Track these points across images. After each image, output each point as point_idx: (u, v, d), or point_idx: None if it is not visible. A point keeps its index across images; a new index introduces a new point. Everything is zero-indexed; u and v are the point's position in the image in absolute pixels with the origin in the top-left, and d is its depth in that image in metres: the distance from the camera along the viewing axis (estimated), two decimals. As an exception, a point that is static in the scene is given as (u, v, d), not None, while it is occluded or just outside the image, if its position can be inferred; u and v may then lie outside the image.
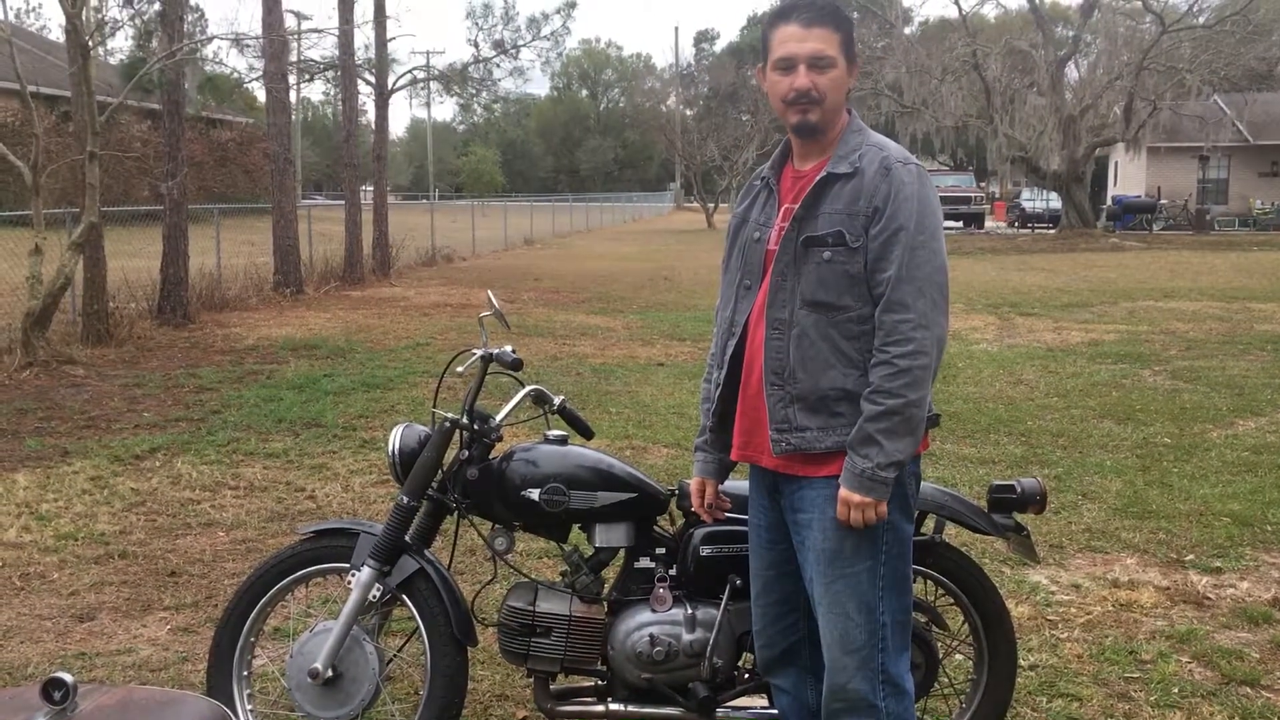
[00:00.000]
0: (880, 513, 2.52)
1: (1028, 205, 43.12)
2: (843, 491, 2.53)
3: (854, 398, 2.53)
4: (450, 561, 3.26)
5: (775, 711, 3.13)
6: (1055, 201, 39.59)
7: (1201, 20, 35.67)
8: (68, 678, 1.62)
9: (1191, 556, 5.13)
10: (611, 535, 3.12)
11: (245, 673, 3.20)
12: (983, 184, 49.96)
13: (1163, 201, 38.96)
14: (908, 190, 2.49)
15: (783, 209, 2.66)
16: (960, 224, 42.36)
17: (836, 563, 2.58)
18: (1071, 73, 39.09)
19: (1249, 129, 39.49)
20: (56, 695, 1.62)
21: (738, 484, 3.11)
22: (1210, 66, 34.35)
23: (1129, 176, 44.62)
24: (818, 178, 2.57)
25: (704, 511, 2.97)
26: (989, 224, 43.75)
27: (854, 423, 2.52)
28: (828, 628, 2.62)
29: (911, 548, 2.69)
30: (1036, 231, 38.78)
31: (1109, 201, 41.76)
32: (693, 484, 2.98)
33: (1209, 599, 4.63)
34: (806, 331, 2.56)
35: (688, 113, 60.40)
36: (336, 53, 22.31)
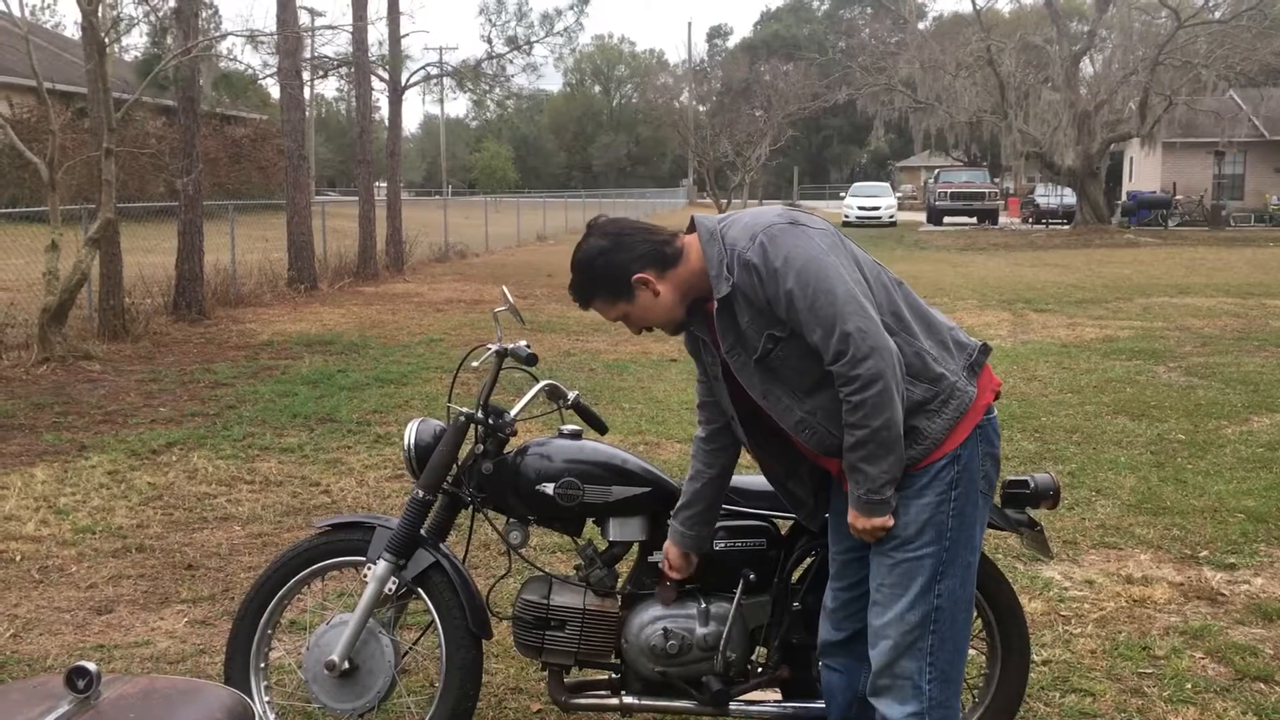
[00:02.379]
0: (888, 525, 2.60)
1: (1042, 201, 42.94)
2: (850, 514, 2.63)
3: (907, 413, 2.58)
4: (465, 555, 3.28)
5: (788, 705, 3.15)
6: (1070, 197, 39.43)
7: (1218, 15, 35.48)
8: (91, 667, 1.64)
9: (1205, 553, 5.12)
10: (625, 529, 3.14)
11: (262, 664, 3.23)
12: (997, 179, 49.75)
13: (1178, 197, 38.75)
14: (768, 268, 2.51)
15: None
16: (974, 220, 42.23)
17: (901, 546, 2.62)
18: (1086, 68, 38.98)
19: (1265, 124, 39.27)
20: (80, 684, 1.64)
21: (747, 479, 3.13)
22: (1226, 61, 34.16)
23: (1144, 172, 44.41)
24: (714, 313, 2.64)
25: (670, 571, 3.05)
26: (1003, 220, 43.60)
27: (917, 430, 2.57)
28: (885, 605, 2.65)
29: (979, 534, 2.70)
30: (1051, 227, 38.62)
31: (1124, 197, 41.55)
32: (668, 549, 3.04)
33: (1223, 595, 4.62)
34: (829, 408, 2.60)
35: (701, 108, 60.28)
36: (350, 49, 22.36)
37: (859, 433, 2.51)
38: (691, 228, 2.72)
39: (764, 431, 2.82)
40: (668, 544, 3.05)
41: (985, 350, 2.71)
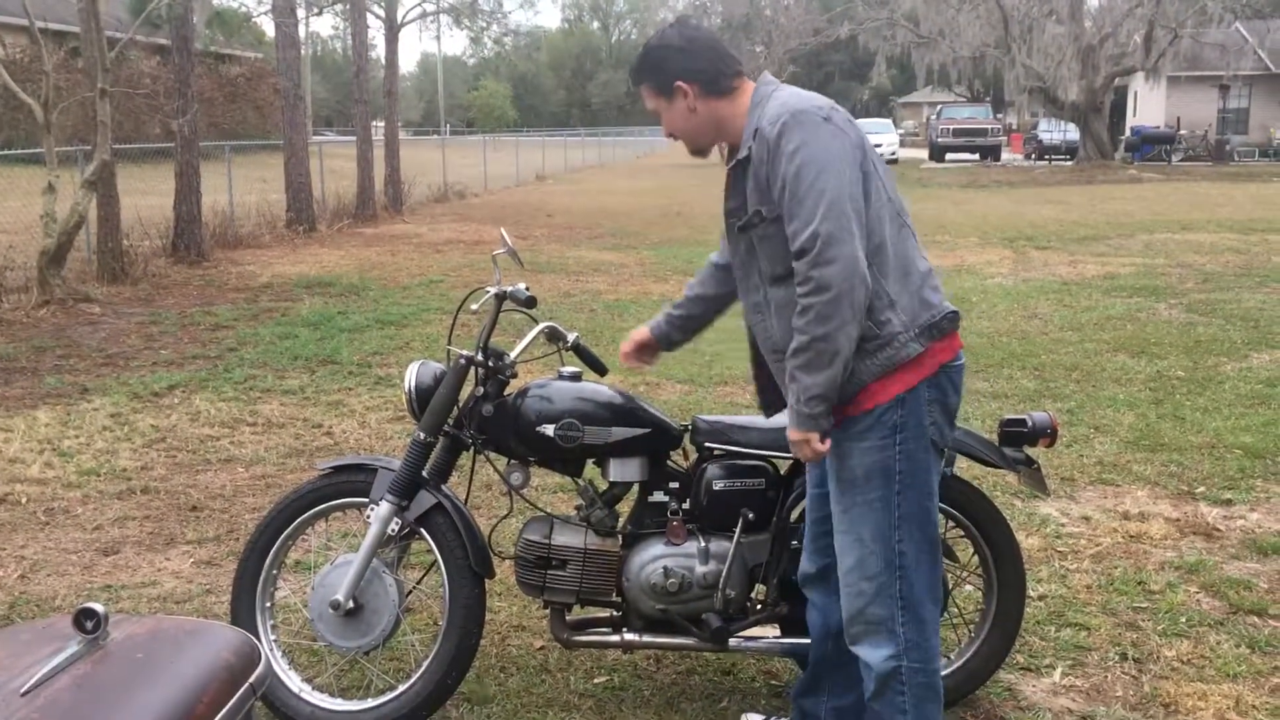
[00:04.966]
0: (816, 449, 2.57)
1: (1045, 137, 42.49)
2: (789, 426, 2.62)
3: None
4: (467, 496, 3.31)
5: (787, 641, 3.20)
6: (1073, 133, 39.03)
7: (1225, -55, 34.89)
8: (99, 608, 1.66)
9: (1202, 489, 5.16)
10: (625, 470, 3.16)
11: (268, 604, 3.27)
12: (999, 115, 49.23)
13: (1182, 132, 38.38)
14: (778, 148, 2.52)
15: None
16: (976, 156, 41.88)
17: (851, 490, 2.63)
18: (1091, 0, 38.41)
19: (1271, 57, 38.83)
20: (89, 625, 1.66)
21: (745, 419, 3.15)
22: (1233, -7, 33.68)
23: (1148, 107, 43.99)
24: (729, 168, 2.67)
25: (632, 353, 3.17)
26: (1005, 156, 43.20)
27: (859, 365, 2.56)
28: (845, 553, 2.67)
29: (934, 480, 2.68)
30: (1054, 163, 38.28)
31: (1127, 132, 41.16)
32: (642, 331, 3.15)
33: (1218, 530, 4.67)
34: (781, 306, 2.61)
35: (700, 44, 59.39)
36: (345, -14, 22.05)
37: (800, 338, 2.50)
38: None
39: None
40: (644, 327, 3.15)
41: (953, 317, 2.64)
